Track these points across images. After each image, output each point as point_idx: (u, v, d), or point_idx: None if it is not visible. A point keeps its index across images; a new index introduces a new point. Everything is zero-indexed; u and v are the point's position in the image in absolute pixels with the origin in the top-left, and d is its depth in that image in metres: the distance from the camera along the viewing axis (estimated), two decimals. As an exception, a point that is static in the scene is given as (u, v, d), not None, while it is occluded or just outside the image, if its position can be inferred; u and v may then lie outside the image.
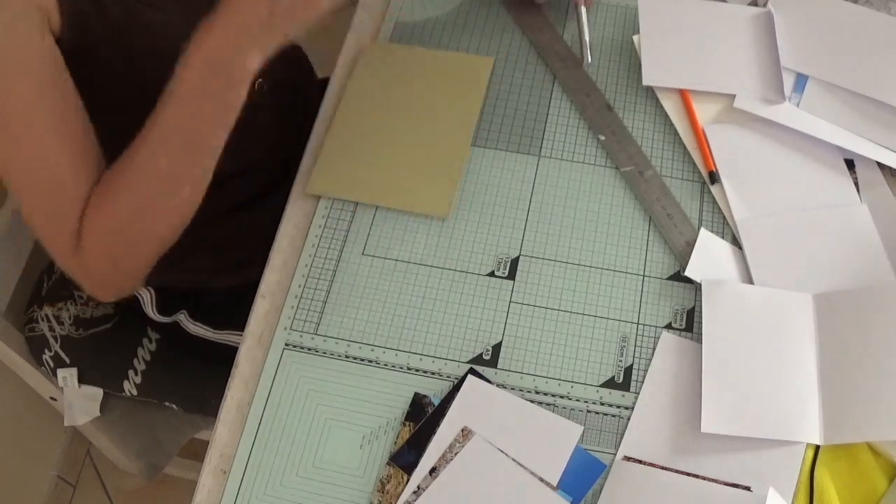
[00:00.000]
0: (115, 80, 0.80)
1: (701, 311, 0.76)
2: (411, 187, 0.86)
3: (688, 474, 0.69)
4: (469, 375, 0.75)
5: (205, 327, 1.05)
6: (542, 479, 0.70)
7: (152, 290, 1.03)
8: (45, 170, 0.73)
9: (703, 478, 0.69)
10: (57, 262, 0.78)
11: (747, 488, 0.68)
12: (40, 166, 0.73)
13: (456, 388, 0.74)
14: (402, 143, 0.88)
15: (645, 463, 0.70)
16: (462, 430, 0.72)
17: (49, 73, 0.73)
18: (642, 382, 0.75)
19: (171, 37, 0.73)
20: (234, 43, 0.69)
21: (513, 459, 0.70)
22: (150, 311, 1.04)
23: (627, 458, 0.71)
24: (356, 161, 0.88)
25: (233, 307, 0.91)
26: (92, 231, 0.74)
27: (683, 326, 0.77)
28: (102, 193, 0.74)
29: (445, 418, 0.73)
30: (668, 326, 0.78)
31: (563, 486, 0.69)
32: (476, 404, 0.74)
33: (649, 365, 0.76)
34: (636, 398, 0.74)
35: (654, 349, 0.76)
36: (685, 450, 0.71)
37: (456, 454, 0.71)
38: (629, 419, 0.73)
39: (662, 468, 0.70)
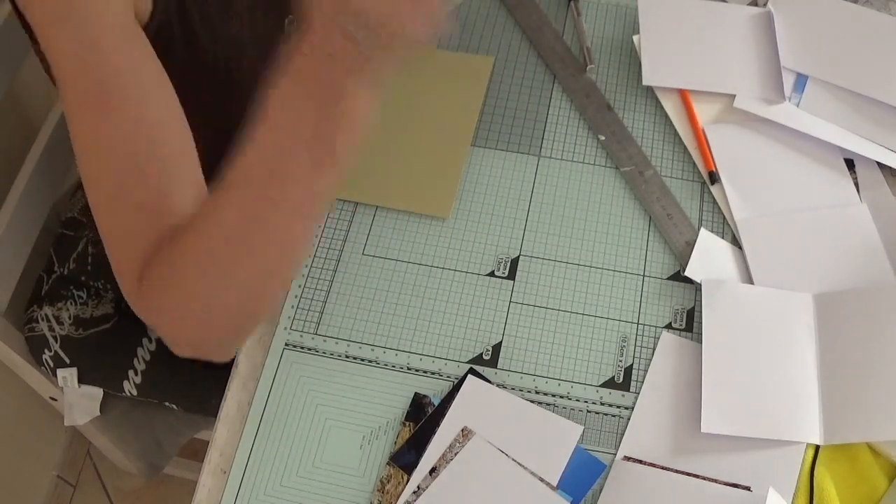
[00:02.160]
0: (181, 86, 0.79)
1: (701, 311, 0.76)
2: (412, 187, 0.85)
3: (688, 474, 0.69)
4: (469, 375, 0.75)
5: None
6: (542, 479, 0.70)
7: None
8: (131, 166, 0.60)
9: (703, 478, 0.69)
10: (120, 285, 0.64)
11: (747, 488, 0.68)
12: (129, 155, 0.60)
13: (456, 388, 0.74)
14: (402, 142, 0.88)
15: (645, 463, 0.70)
16: (462, 430, 0.72)
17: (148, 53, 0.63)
18: (642, 382, 0.75)
19: (241, 52, 0.72)
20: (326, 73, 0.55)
21: (513, 459, 0.70)
22: None
23: (627, 458, 0.71)
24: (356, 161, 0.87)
25: None
26: (152, 270, 0.60)
27: (683, 326, 0.77)
28: (176, 233, 0.60)
29: (445, 418, 0.73)
30: (668, 326, 0.78)
31: (563, 486, 0.69)
32: (476, 404, 0.74)
33: (649, 365, 0.76)
34: (636, 398, 0.74)
35: (654, 349, 0.76)
36: (685, 450, 0.71)
37: (456, 454, 0.71)
38: (629, 419, 0.73)
39: (662, 468, 0.70)
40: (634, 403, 0.74)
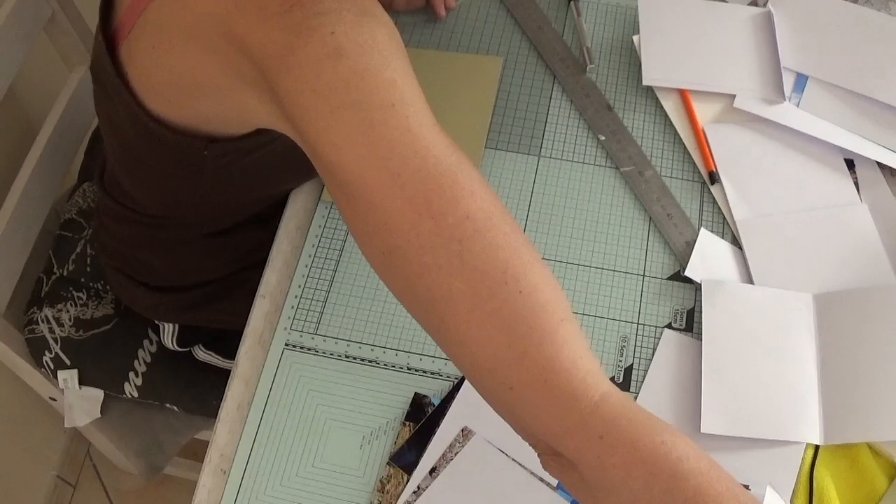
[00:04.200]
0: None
1: (701, 311, 0.76)
2: None
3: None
4: (469, 375, 0.75)
5: (215, 356, 1.06)
6: (541, 479, 0.70)
7: (177, 325, 1.03)
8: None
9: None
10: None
11: (745, 486, 0.68)
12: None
13: (456, 387, 0.74)
14: None
15: None
16: (462, 430, 0.72)
17: None
18: (642, 382, 0.75)
19: None
20: None
21: (513, 459, 0.70)
22: (170, 342, 1.04)
23: None
24: None
25: None
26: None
27: (683, 326, 0.77)
28: None
29: (445, 418, 0.73)
30: (668, 326, 0.77)
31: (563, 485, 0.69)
32: (476, 404, 0.73)
33: (649, 364, 0.75)
34: (636, 398, 0.74)
35: (653, 349, 0.76)
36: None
37: (456, 454, 0.71)
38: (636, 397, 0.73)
39: None
40: (636, 398, 0.74)
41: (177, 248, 0.91)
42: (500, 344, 0.49)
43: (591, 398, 0.49)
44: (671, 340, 0.76)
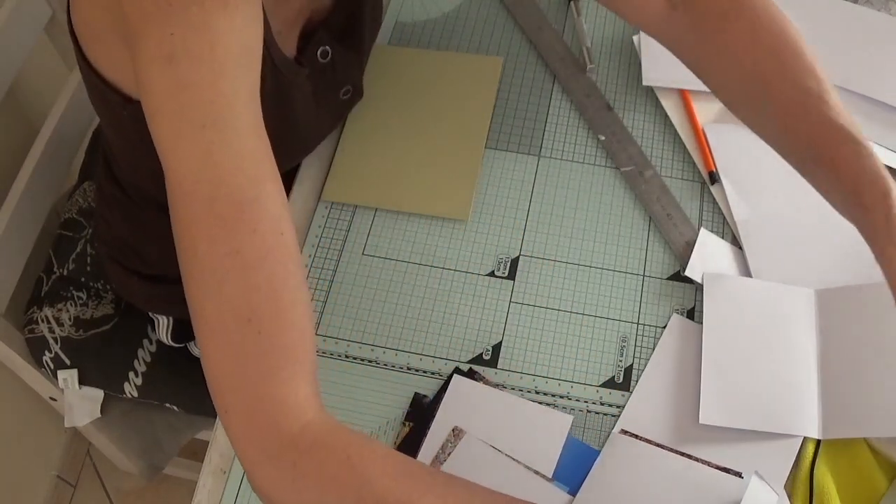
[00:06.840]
0: None
1: (701, 312, 0.76)
2: (429, 191, 0.85)
3: (681, 454, 0.69)
4: (455, 375, 0.75)
5: None
6: (537, 472, 0.70)
7: (172, 319, 1.03)
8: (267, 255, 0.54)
9: (696, 459, 0.69)
10: (237, 449, 0.54)
11: (738, 474, 0.68)
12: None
13: (442, 388, 0.74)
14: (416, 146, 0.88)
15: (640, 438, 0.70)
16: (453, 430, 0.72)
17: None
18: (643, 375, 0.75)
19: (302, 123, 0.75)
20: None
21: (506, 455, 0.70)
22: (164, 337, 1.04)
23: (624, 432, 0.71)
24: (371, 167, 0.87)
25: None
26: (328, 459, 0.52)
27: (683, 326, 0.77)
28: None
29: (435, 420, 0.73)
30: (665, 327, 0.77)
31: (559, 476, 0.69)
32: (465, 403, 0.74)
33: (650, 361, 0.76)
34: (631, 392, 0.74)
35: (654, 349, 0.76)
36: (682, 431, 0.71)
37: (449, 454, 0.71)
38: (632, 393, 0.73)
39: (657, 445, 0.70)
40: (638, 379, 0.74)
41: (168, 232, 0.91)
42: (228, 372, 0.54)
43: (290, 430, 0.52)
44: (680, 322, 0.76)
